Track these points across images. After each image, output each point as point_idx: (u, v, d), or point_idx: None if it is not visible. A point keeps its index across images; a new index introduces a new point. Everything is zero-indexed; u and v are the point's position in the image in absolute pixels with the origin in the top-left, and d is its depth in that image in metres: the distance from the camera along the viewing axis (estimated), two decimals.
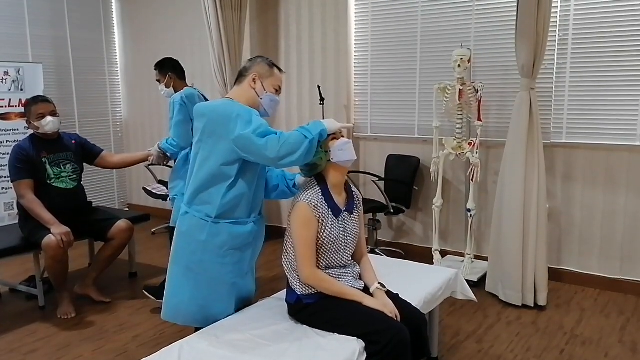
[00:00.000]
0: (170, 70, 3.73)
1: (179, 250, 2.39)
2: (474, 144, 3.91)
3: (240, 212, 2.32)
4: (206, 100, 3.70)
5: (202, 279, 2.34)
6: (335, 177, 2.29)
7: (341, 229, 2.29)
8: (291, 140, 2.14)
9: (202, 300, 2.35)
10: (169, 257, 3.48)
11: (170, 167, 3.88)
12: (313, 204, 2.21)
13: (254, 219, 2.39)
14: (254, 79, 2.36)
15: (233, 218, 2.31)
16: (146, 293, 3.81)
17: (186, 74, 3.81)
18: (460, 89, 3.87)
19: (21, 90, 4.95)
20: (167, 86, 3.70)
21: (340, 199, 2.32)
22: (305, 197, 2.23)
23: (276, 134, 2.16)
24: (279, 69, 2.45)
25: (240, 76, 2.42)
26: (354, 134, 4.95)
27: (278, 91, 2.43)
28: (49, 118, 3.63)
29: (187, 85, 3.72)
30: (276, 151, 2.13)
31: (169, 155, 3.70)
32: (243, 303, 2.49)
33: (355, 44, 4.86)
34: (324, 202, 2.24)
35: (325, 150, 2.24)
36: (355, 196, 2.42)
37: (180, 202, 3.62)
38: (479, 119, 3.89)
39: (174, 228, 2.56)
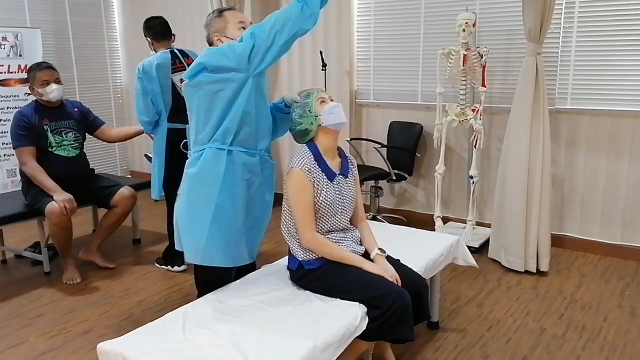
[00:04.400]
0: (146, 33, 3.64)
1: (195, 182, 2.35)
2: (478, 110, 3.88)
3: (250, 140, 2.34)
4: (186, 58, 3.58)
5: (220, 210, 2.31)
6: (326, 141, 2.30)
7: (337, 192, 2.30)
8: (282, 11, 2.27)
9: (219, 233, 2.32)
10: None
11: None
12: (306, 168, 2.22)
13: (261, 152, 2.40)
14: (217, 39, 2.39)
15: (244, 147, 2.33)
16: (159, 266, 3.85)
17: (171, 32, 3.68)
18: (464, 54, 3.81)
19: (20, 55, 4.90)
20: (152, 50, 3.64)
21: (333, 163, 2.32)
22: (298, 162, 2.24)
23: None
24: (229, 8, 2.43)
25: (209, 45, 2.43)
26: (356, 100, 4.90)
27: (245, 27, 2.41)
28: (53, 85, 3.59)
29: (167, 47, 3.59)
30: (272, 16, 2.24)
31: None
32: (258, 242, 2.52)
33: (357, 8, 4.77)
34: (317, 166, 2.25)
35: (315, 115, 2.25)
36: (349, 160, 2.42)
37: (156, 174, 3.62)
38: (483, 85, 3.85)
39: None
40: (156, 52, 3.58)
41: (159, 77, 3.43)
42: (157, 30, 3.61)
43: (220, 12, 2.41)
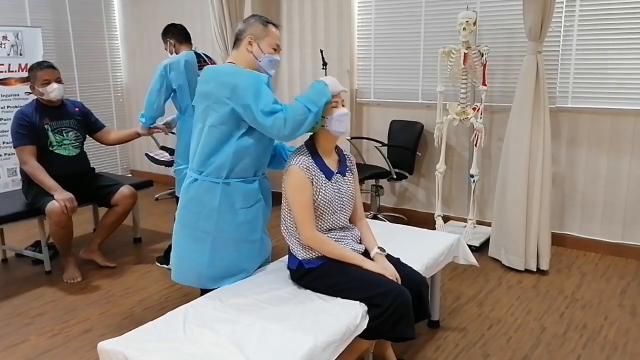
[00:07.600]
0: (168, 36, 3.69)
1: (190, 215, 2.39)
2: (478, 109, 3.87)
3: (248, 171, 2.36)
4: (209, 60, 3.65)
5: (219, 241, 2.36)
6: (325, 142, 2.31)
7: (335, 190, 2.30)
8: (296, 116, 2.17)
9: (221, 260, 2.37)
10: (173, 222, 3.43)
11: (174, 133, 3.86)
12: (304, 166, 2.23)
13: (259, 177, 2.44)
14: (249, 42, 2.34)
15: (241, 177, 2.35)
16: (159, 265, 3.86)
17: (191, 37, 3.75)
18: (465, 53, 3.81)
19: (20, 55, 4.90)
20: (170, 52, 3.68)
21: (331, 162, 2.33)
22: (296, 161, 2.24)
23: (282, 111, 2.17)
24: (275, 25, 2.39)
25: (236, 39, 2.39)
26: (357, 99, 4.90)
27: (277, 50, 2.39)
28: (54, 85, 3.59)
29: (189, 49, 3.66)
30: (282, 131, 2.17)
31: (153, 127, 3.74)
32: (266, 258, 2.55)
33: (358, 7, 4.77)
34: (314, 164, 2.25)
35: (322, 116, 2.25)
36: (347, 158, 2.42)
37: (180, 173, 3.63)
38: (484, 84, 3.84)
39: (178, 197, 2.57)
40: (177, 53, 3.62)
41: (187, 73, 3.47)
42: (181, 32, 3.70)
43: (267, 22, 2.36)
